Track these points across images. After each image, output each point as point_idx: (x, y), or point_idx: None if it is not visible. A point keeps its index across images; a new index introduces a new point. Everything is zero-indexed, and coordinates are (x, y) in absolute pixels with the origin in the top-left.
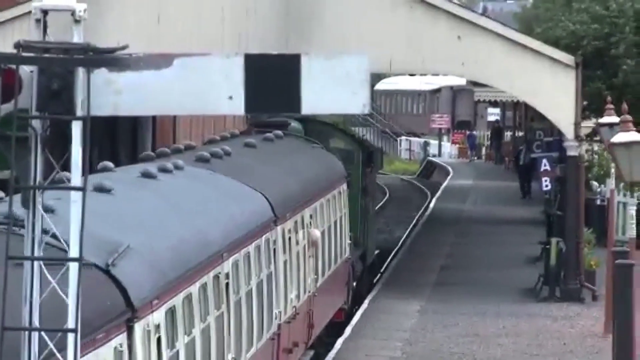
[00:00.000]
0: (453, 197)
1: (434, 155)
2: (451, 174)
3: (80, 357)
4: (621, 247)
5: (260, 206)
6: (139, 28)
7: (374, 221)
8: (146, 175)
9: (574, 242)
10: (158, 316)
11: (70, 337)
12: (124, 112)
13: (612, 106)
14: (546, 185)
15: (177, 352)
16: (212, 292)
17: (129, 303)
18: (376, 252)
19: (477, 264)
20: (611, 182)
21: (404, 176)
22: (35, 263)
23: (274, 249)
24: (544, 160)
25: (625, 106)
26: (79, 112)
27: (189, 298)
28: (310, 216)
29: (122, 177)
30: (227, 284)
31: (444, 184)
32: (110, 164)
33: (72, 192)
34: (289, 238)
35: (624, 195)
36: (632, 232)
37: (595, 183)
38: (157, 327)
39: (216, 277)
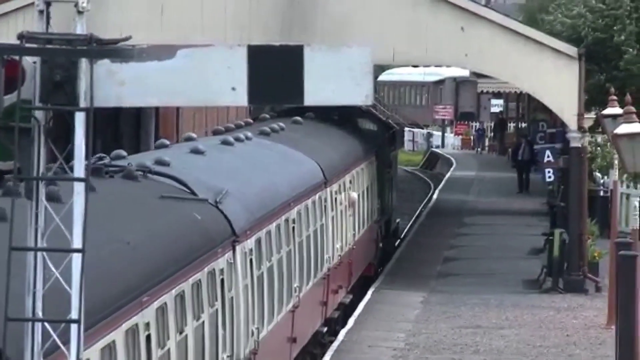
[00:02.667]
0: (456, 189)
1: (437, 147)
2: (454, 165)
3: (207, 265)
4: (624, 238)
5: (314, 170)
6: (142, 19)
7: (396, 192)
8: (225, 142)
9: (577, 234)
10: (250, 243)
11: (74, 327)
12: (127, 103)
13: (615, 97)
14: (549, 177)
15: (262, 273)
16: (284, 232)
17: (233, 230)
18: (397, 220)
19: (480, 255)
20: (614, 174)
21: (407, 167)
22: (39, 254)
23: (325, 205)
24: (547, 152)
25: (628, 97)
26: (82, 103)
27: (269, 233)
28: (350, 181)
29: (207, 144)
30: (293, 228)
31: (447, 175)
32: (192, 135)
33: (75, 183)
34: (335, 198)
35: (627, 186)
36: (635, 223)
37: (598, 174)
38: (250, 251)
39: (286, 220)
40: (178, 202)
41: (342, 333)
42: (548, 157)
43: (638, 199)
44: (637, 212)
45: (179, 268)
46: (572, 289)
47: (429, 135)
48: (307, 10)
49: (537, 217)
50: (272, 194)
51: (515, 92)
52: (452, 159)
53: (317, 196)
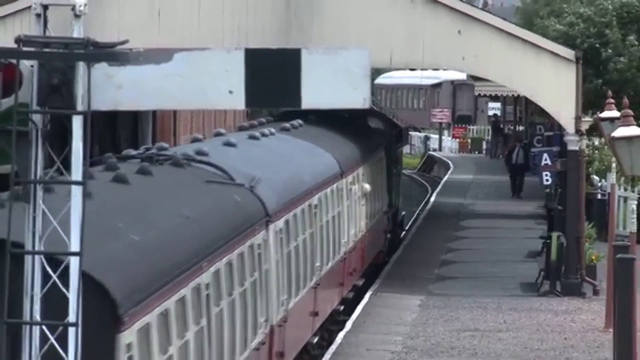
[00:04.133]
0: (453, 192)
1: (434, 150)
2: (452, 169)
3: (248, 240)
4: (622, 242)
5: (331, 162)
6: (139, 23)
7: (401, 187)
8: (252, 137)
9: (574, 237)
10: (280, 223)
11: (71, 331)
12: (124, 106)
13: (612, 100)
14: (547, 180)
15: (290, 251)
16: (307, 216)
17: (266, 211)
18: (402, 213)
19: (477, 259)
20: (612, 177)
21: (404, 170)
22: (37, 257)
23: (341, 195)
24: (545, 155)
25: (626, 100)
26: (80, 107)
27: (295, 216)
28: (362, 174)
29: (237, 138)
30: (315, 213)
31: (445, 179)
32: (222, 130)
33: (73, 187)
34: (350, 188)
35: (625, 189)
36: (632, 227)
37: (596, 177)
38: (280, 230)
39: (309, 205)
40: (220, 186)
41: (340, 336)
42: (545, 160)
43: (635, 202)
44: (635, 215)
45: (228, 241)
46: (569, 292)
47: (426, 138)
48: (304, 14)
49: (535, 220)
50: (297, 181)
51: (513, 95)
52: (449, 162)
53: (334, 186)
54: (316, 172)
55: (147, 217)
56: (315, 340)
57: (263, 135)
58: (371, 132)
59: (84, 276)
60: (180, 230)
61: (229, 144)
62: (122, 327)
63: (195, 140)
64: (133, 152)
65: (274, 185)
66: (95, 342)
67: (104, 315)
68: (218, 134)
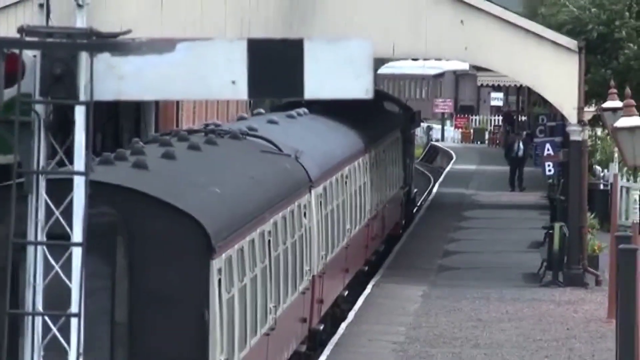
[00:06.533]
0: (456, 182)
1: (436, 140)
2: (454, 159)
3: (296, 200)
4: (624, 232)
5: (357, 140)
6: (141, 15)
7: (413, 166)
8: (290, 116)
9: (577, 227)
10: (320, 189)
11: (74, 321)
12: (127, 97)
13: (615, 91)
14: (549, 170)
15: (327, 213)
16: (340, 184)
17: (309, 177)
18: (415, 190)
19: (480, 249)
20: (614, 167)
21: None
22: (39, 247)
23: (365, 169)
24: (547, 145)
25: (628, 91)
26: (82, 97)
27: (331, 184)
28: (383, 151)
29: (277, 117)
30: (346, 182)
31: (447, 169)
32: (261, 110)
33: (75, 177)
34: (372, 163)
35: (627, 179)
36: (635, 217)
37: (598, 168)
38: (320, 195)
39: (341, 176)
40: (272, 155)
41: (342, 327)
42: (548, 150)
43: (638, 192)
44: (637, 206)
45: (282, 199)
46: (572, 282)
47: (429, 128)
48: (307, 4)
49: (537, 210)
50: (331, 155)
51: (515, 85)
52: (452, 152)
53: (360, 160)
54: (345, 147)
55: (221, 176)
56: (346, 293)
57: (298, 115)
58: (388, 114)
59: (184, 215)
60: (248, 187)
61: (271, 122)
62: (215, 255)
63: (240, 118)
64: (195, 127)
65: (313, 157)
66: (194, 267)
67: (202, 245)
68: (258, 114)
